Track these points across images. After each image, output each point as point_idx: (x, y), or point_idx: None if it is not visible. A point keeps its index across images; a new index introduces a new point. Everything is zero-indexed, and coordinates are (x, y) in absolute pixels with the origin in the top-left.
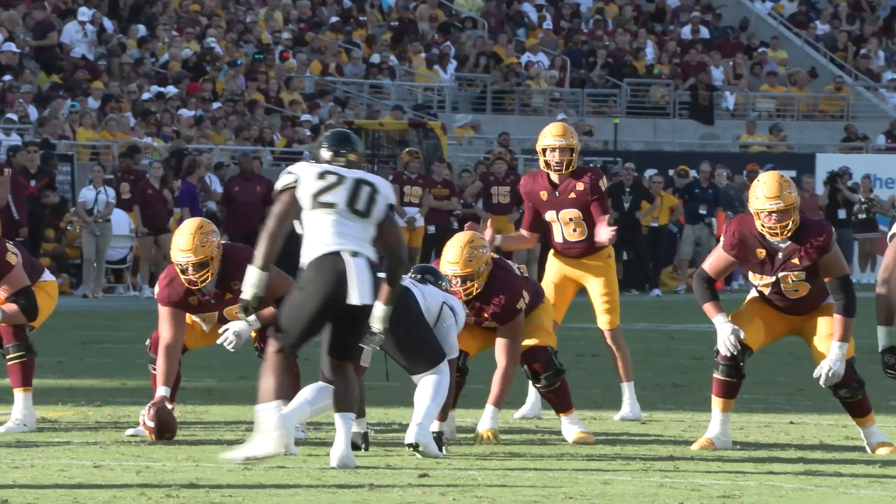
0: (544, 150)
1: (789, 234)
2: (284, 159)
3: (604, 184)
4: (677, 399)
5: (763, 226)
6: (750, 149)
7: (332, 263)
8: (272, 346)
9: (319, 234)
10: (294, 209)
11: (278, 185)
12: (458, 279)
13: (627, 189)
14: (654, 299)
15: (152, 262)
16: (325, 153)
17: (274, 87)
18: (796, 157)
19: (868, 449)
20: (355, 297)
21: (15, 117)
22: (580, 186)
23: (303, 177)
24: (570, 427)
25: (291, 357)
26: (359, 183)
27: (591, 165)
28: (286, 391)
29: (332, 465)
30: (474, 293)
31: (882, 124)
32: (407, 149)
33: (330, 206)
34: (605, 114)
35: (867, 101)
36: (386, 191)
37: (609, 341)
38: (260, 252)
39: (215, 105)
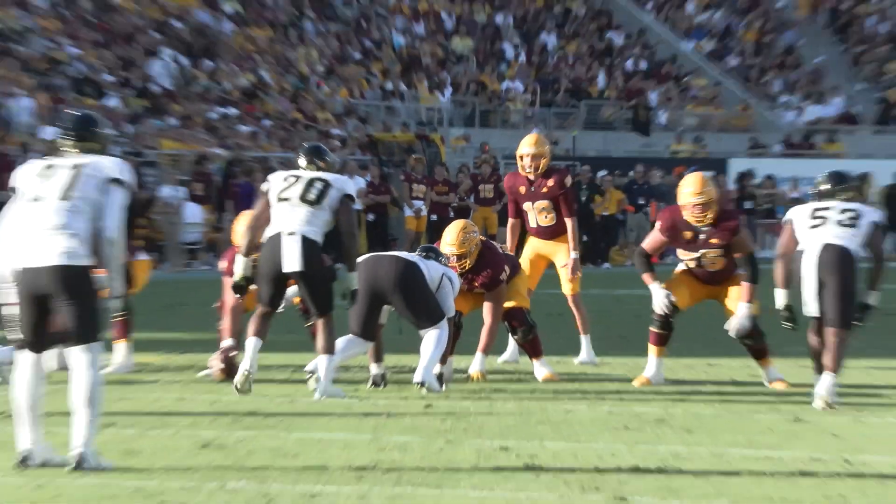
0: (521, 157)
1: (710, 221)
2: None
3: (569, 181)
4: (623, 347)
5: (690, 215)
6: (678, 155)
7: (273, 241)
8: (258, 309)
9: (274, 221)
10: (267, 210)
11: (262, 189)
12: (455, 257)
13: (584, 186)
14: (604, 271)
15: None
16: (301, 161)
17: (311, 108)
18: (714, 161)
19: (767, 384)
20: (285, 265)
21: (114, 132)
22: (550, 183)
23: (273, 182)
24: (541, 369)
25: (273, 311)
26: (312, 180)
27: (558, 166)
28: (266, 332)
29: (316, 397)
30: (467, 267)
31: (779, 136)
32: (413, 155)
33: (286, 199)
34: (566, 128)
35: (767, 117)
36: (340, 185)
37: (571, 304)
38: (243, 243)
39: (266, 122)
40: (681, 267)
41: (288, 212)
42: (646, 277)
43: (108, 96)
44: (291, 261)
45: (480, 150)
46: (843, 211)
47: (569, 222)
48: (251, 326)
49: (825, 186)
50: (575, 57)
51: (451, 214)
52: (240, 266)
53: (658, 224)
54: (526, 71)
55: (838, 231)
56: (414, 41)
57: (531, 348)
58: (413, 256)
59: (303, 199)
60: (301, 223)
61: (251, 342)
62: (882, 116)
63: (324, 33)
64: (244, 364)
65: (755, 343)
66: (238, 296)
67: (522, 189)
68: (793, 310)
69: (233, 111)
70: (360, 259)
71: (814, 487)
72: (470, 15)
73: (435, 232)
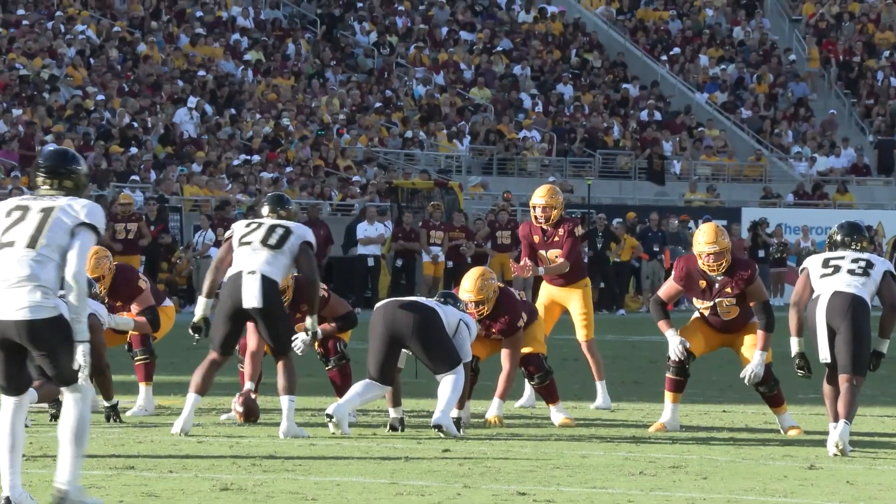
0: (533, 207)
1: (723, 270)
2: (340, 210)
3: (578, 231)
4: (638, 393)
5: (704, 264)
6: (692, 203)
7: (234, 280)
8: (209, 354)
9: (236, 261)
10: (230, 253)
11: (225, 236)
12: (473, 303)
13: (600, 234)
14: (619, 317)
15: None
16: (265, 210)
17: (332, 155)
18: (727, 210)
19: (782, 431)
20: (244, 301)
21: (138, 178)
22: (561, 232)
23: (236, 228)
24: (557, 414)
25: (224, 358)
26: (273, 226)
27: (571, 216)
28: (208, 387)
29: (280, 436)
30: (485, 314)
31: (791, 185)
32: (432, 202)
33: (248, 243)
34: (582, 176)
35: (780, 168)
36: (300, 232)
37: (585, 350)
38: (205, 284)
39: (288, 169)
40: (696, 315)
41: (249, 254)
42: (661, 324)
43: (133, 143)
44: (250, 298)
45: (502, 199)
46: (856, 260)
47: (562, 262)
48: (196, 378)
49: (839, 236)
50: (591, 107)
51: (468, 260)
52: (199, 307)
53: (674, 273)
54: (543, 120)
55: (849, 279)
56: (433, 91)
57: (547, 393)
58: (431, 302)
59: (264, 242)
60: (261, 264)
61: (191, 398)
62: (883, 165)
63: (345, 83)
64: (179, 423)
65: (769, 390)
66: (197, 336)
67: (537, 238)
68: (807, 357)
69: (255, 158)
70: (378, 304)
71: None
72: (488, 66)
73: (452, 278)
